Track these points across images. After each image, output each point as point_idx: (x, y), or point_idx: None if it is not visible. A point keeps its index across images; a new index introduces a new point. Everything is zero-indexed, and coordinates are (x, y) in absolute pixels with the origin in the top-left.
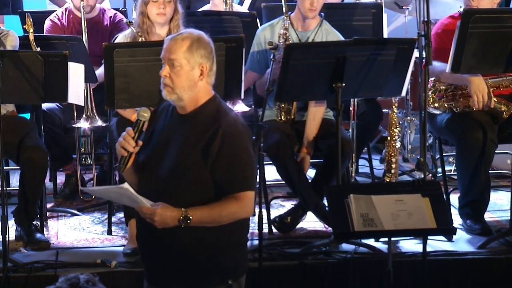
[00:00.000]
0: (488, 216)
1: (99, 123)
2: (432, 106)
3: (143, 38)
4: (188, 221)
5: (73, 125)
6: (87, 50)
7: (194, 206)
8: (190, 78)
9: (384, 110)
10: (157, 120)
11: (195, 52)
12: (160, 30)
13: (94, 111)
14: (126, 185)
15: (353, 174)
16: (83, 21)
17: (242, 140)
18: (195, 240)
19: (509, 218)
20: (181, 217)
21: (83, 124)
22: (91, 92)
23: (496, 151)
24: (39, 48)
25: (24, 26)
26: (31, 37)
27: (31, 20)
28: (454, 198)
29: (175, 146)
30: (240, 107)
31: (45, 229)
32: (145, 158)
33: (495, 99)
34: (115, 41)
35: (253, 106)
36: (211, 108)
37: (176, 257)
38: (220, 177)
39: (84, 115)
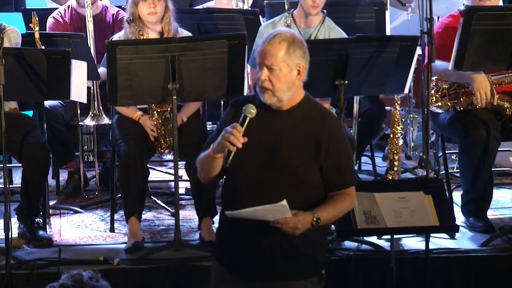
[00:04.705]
0: (491, 214)
1: (106, 121)
2: (435, 105)
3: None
4: (319, 223)
5: (79, 123)
6: (93, 46)
7: (302, 205)
8: (289, 80)
9: (386, 108)
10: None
11: (293, 54)
12: (153, 29)
13: (101, 109)
14: (284, 201)
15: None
16: (87, 18)
17: (345, 137)
18: (300, 235)
19: (511, 215)
20: (314, 220)
21: (89, 122)
22: (98, 90)
23: (499, 149)
24: (43, 47)
25: (30, 25)
26: (37, 35)
27: (37, 19)
28: (457, 196)
29: (278, 144)
30: None
31: (47, 226)
32: (242, 154)
33: (498, 95)
34: None
35: None
36: (309, 105)
37: (281, 252)
38: (332, 174)
39: (90, 113)
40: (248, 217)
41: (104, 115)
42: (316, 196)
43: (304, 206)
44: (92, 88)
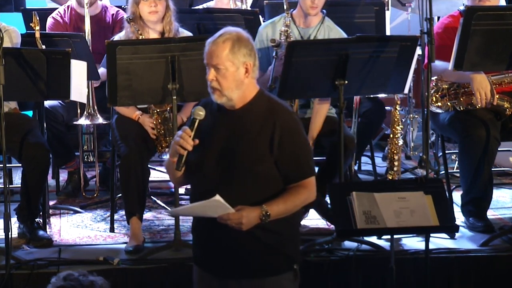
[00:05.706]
0: (490, 214)
1: (100, 120)
2: (435, 105)
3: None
4: (268, 217)
5: (74, 122)
6: (91, 46)
7: (260, 199)
8: (236, 78)
9: (386, 108)
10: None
11: (238, 52)
12: (154, 28)
13: (96, 108)
14: (218, 196)
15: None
16: (86, 18)
17: (300, 128)
18: (265, 231)
19: (511, 215)
20: (262, 214)
21: (84, 121)
22: (93, 90)
23: (499, 149)
24: (44, 46)
25: (31, 24)
26: (37, 35)
27: (38, 18)
28: (457, 196)
29: (232, 142)
30: None
31: (47, 226)
32: (199, 156)
33: (497, 95)
34: None
35: None
36: (262, 101)
37: (249, 248)
38: (286, 167)
39: (85, 112)
40: (190, 215)
41: (98, 115)
42: (275, 191)
43: (263, 201)
44: (87, 88)
